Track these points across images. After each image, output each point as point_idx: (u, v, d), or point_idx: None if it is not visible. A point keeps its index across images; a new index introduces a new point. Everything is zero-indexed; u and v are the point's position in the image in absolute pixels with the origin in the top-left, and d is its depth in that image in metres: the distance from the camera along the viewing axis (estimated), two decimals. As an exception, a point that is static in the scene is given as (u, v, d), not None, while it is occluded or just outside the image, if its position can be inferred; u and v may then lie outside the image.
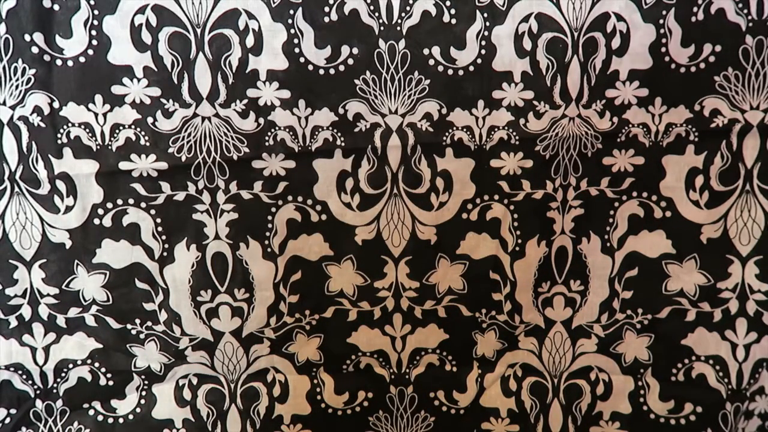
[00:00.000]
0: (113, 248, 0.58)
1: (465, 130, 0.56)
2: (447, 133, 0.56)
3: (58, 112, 0.55)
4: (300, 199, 0.57)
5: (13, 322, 0.59)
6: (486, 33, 0.55)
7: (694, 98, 0.55)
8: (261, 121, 0.56)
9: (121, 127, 0.55)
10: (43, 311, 0.59)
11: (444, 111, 0.56)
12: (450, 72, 0.55)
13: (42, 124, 0.55)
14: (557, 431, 0.63)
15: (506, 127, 0.56)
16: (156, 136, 0.55)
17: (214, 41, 0.54)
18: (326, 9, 0.54)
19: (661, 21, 0.54)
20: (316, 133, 0.56)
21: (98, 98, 0.55)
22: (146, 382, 0.61)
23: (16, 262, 0.58)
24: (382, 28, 0.55)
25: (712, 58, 0.54)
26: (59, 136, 0.55)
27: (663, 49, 0.54)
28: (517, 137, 0.56)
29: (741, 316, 0.60)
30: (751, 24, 0.54)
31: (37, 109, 0.55)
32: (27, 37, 0.53)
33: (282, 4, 0.54)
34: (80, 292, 0.58)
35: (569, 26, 0.54)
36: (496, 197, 0.58)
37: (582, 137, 0.56)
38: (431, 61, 0.55)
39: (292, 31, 0.54)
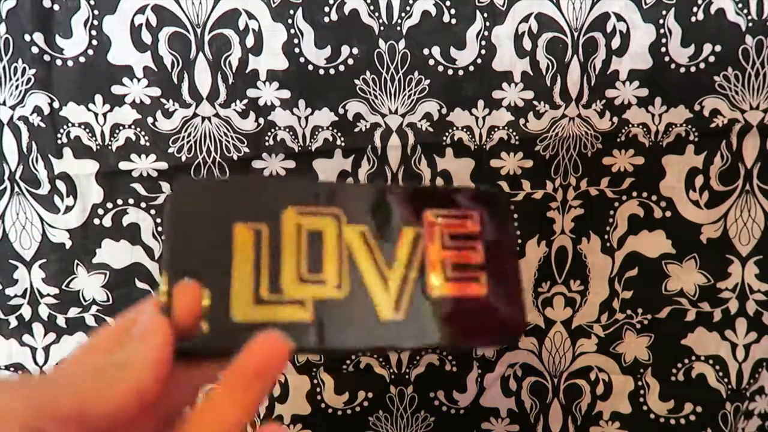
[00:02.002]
0: (113, 248, 0.58)
1: (465, 130, 0.56)
2: (447, 133, 0.56)
3: (58, 112, 0.55)
4: (300, 199, 0.57)
5: (13, 322, 0.59)
6: (486, 33, 0.55)
7: (694, 98, 0.55)
8: (261, 121, 0.56)
9: (121, 127, 0.55)
10: (43, 311, 0.59)
11: (444, 111, 0.56)
12: (450, 72, 0.55)
13: (42, 124, 0.55)
14: (557, 431, 0.63)
15: (506, 127, 0.56)
16: (156, 136, 0.55)
17: (214, 41, 0.54)
18: (326, 9, 0.54)
19: (661, 21, 0.54)
20: (316, 133, 0.56)
21: (98, 98, 0.55)
22: (146, 382, 0.61)
23: (16, 262, 0.58)
24: (382, 28, 0.55)
25: (712, 58, 0.54)
26: (59, 136, 0.55)
27: (663, 49, 0.54)
28: (517, 137, 0.56)
29: (741, 316, 0.60)
30: (751, 24, 0.54)
31: (37, 109, 0.55)
32: (27, 37, 0.53)
33: (282, 4, 0.54)
34: (80, 292, 0.58)
35: (569, 26, 0.54)
36: (496, 197, 0.58)
37: (582, 137, 0.56)
38: (431, 61, 0.55)
39: (292, 31, 0.54)
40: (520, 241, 0.59)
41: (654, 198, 0.58)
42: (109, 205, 0.57)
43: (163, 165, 0.56)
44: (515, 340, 0.31)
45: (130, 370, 0.23)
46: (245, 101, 0.55)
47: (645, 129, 0.56)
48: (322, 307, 0.28)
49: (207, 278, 0.27)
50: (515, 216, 0.58)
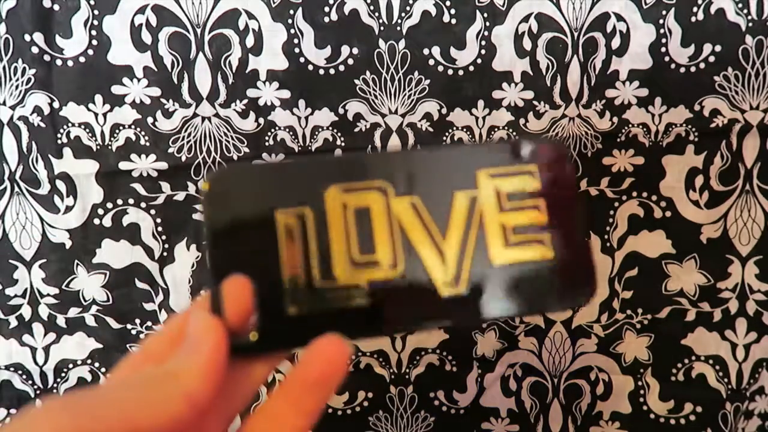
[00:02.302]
0: (113, 248, 0.58)
1: (465, 130, 0.56)
2: (447, 133, 0.56)
3: (58, 112, 0.55)
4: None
5: (13, 322, 0.59)
6: (486, 33, 0.55)
7: (694, 98, 0.55)
8: (261, 121, 0.56)
9: (121, 127, 0.55)
10: (43, 311, 0.59)
11: (444, 111, 0.56)
12: (450, 72, 0.55)
13: (42, 124, 0.55)
14: (557, 431, 0.63)
15: (506, 127, 0.56)
16: (156, 136, 0.56)
17: (214, 41, 0.54)
18: (326, 9, 0.54)
19: (661, 21, 0.54)
20: (316, 133, 0.56)
21: (98, 98, 0.55)
22: (146, 382, 0.61)
23: (16, 262, 0.58)
24: (382, 28, 0.55)
25: (712, 58, 0.54)
26: (59, 136, 0.55)
27: (663, 49, 0.54)
28: (517, 137, 0.56)
29: (741, 316, 0.60)
30: (751, 24, 0.54)
31: (37, 109, 0.55)
32: (27, 37, 0.53)
33: (282, 4, 0.54)
34: (80, 292, 0.58)
35: (569, 26, 0.54)
36: (496, 197, 0.58)
37: (582, 137, 0.56)
38: (431, 61, 0.55)
39: (292, 31, 0.54)
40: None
41: (654, 198, 0.58)
42: (109, 205, 0.57)
43: (163, 165, 0.56)
44: (587, 300, 0.29)
45: (181, 378, 0.22)
46: (245, 101, 0.55)
47: (645, 129, 0.56)
48: (378, 290, 0.27)
49: (255, 272, 0.26)
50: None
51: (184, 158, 0.56)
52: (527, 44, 0.55)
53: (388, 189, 0.27)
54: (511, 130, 0.56)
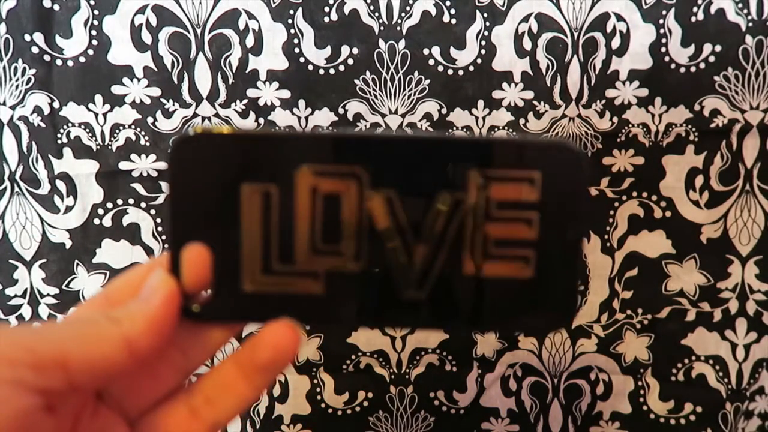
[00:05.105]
0: (113, 248, 0.58)
1: (465, 130, 0.56)
2: (447, 133, 0.56)
3: (58, 112, 0.55)
4: (300, 199, 0.57)
5: (13, 322, 0.59)
6: (486, 33, 0.55)
7: (694, 98, 0.55)
8: (261, 121, 0.56)
9: (121, 127, 0.55)
10: (43, 311, 0.59)
11: (444, 111, 0.56)
12: (450, 72, 0.55)
13: (42, 124, 0.55)
14: (557, 431, 0.63)
15: (506, 127, 0.56)
16: (156, 136, 0.56)
17: (214, 41, 0.54)
18: (326, 9, 0.54)
19: (661, 21, 0.54)
20: (316, 133, 0.56)
21: (98, 98, 0.55)
22: (146, 382, 0.61)
23: (16, 262, 0.58)
24: (382, 28, 0.55)
25: (712, 58, 0.54)
26: (59, 136, 0.55)
27: (663, 49, 0.54)
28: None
29: (741, 316, 0.60)
30: (751, 24, 0.54)
31: (37, 109, 0.55)
32: (27, 37, 0.53)
33: (282, 4, 0.54)
34: (80, 292, 0.58)
35: (569, 26, 0.54)
36: (496, 197, 0.58)
37: (582, 137, 0.56)
38: (431, 61, 0.55)
39: (292, 31, 0.54)
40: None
41: (654, 198, 0.58)
42: (109, 205, 0.57)
43: (163, 165, 0.56)
44: (557, 329, 0.27)
45: (123, 323, 0.23)
46: (245, 101, 0.55)
47: (645, 129, 0.56)
48: (336, 280, 0.26)
49: (215, 243, 0.25)
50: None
51: (184, 158, 0.56)
52: (527, 44, 0.55)
53: (364, 177, 0.25)
54: (511, 130, 0.56)
